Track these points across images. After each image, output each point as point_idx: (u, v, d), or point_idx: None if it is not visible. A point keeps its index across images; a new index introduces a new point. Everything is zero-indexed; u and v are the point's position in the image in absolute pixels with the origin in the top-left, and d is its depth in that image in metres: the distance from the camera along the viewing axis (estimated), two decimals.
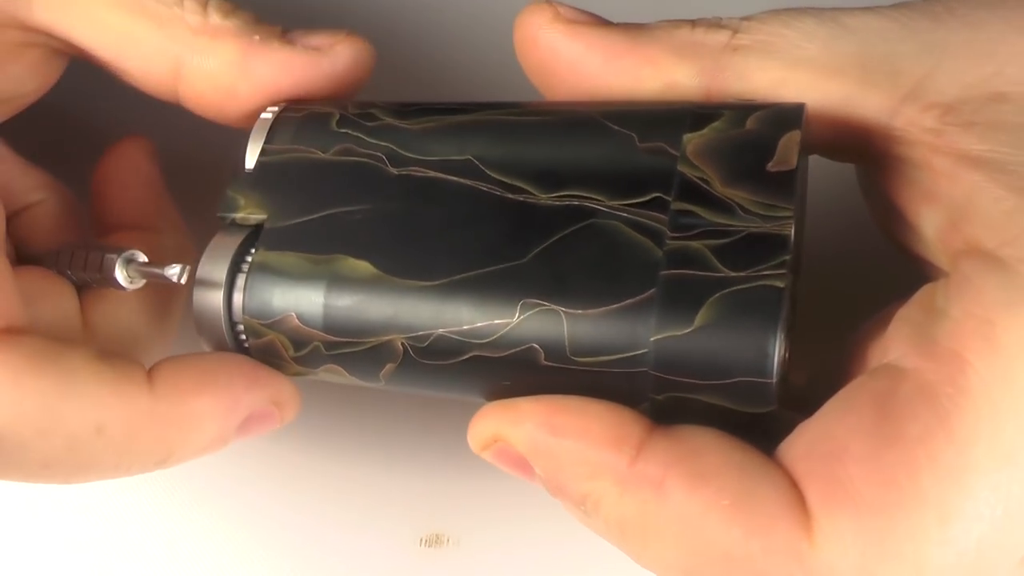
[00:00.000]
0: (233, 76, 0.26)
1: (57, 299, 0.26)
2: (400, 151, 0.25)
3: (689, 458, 0.21)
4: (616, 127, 0.23)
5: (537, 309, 0.22)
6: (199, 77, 0.26)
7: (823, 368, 0.26)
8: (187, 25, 0.26)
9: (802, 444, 0.21)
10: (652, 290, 0.21)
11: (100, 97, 0.31)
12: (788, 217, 0.21)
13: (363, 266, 0.24)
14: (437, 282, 0.23)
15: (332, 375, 0.25)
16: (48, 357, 0.23)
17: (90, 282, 0.26)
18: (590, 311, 0.22)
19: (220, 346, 0.25)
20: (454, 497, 0.32)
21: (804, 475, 0.21)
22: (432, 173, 0.24)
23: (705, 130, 0.23)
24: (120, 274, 0.26)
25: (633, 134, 0.23)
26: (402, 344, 0.23)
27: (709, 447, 0.21)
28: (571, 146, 0.24)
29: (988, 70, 0.23)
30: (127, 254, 0.26)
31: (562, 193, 0.23)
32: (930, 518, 0.20)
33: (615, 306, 0.22)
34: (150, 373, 0.24)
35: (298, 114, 0.26)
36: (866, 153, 0.24)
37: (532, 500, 0.30)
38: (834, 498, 0.20)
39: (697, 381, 0.21)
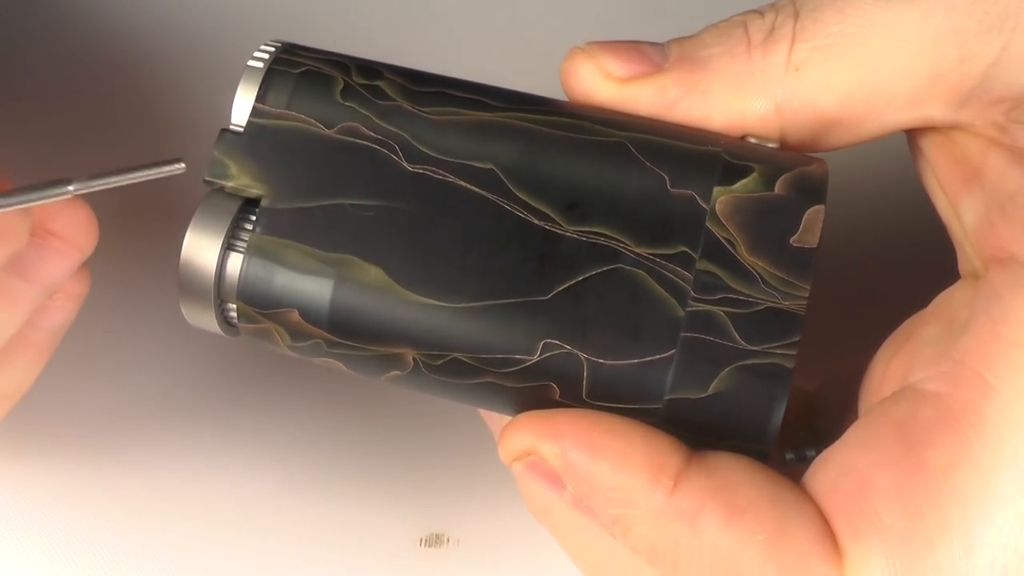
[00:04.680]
0: None
1: None
2: (414, 143, 0.23)
3: (725, 491, 0.21)
4: (649, 163, 0.23)
5: (559, 351, 0.22)
6: None
7: (838, 375, 0.26)
8: None
9: (828, 477, 0.21)
10: (672, 351, 0.22)
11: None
12: (803, 297, 0.22)
13: (375, 272, 0.23)
14: (457, 305, 0.23)
15: (329, 365, 0.25)
16: None
17: None
18: (610, 362, 0.22)
19: (205, 323, 0.24)
20: (454, 497, 0.32)
21: (832, 510, 0.21)
22: (451, 178, 0.23)
23: (736, 186, 0.23)
24: None
25: (665, 175, 0.23)
26: (414, 358, 0.23)
27: (744, 479, 0.21)
28: (600, 176, 0.23)
29: None
30: None
31: (588, 229, 0.23)
32: (956, 549, 0.20)
33: (635, 361, 0.22)
34: None
35: (295, 69, 0.24)
36: (922, 132, 0.24)
37: None
38: (862, 533, 0.20)
39: (699, 436, 0.22)
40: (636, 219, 0.23)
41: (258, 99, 0.24)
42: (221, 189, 0.24)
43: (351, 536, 0.31)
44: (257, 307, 0.23)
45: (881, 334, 0.24)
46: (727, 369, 0.22)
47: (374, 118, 0.24)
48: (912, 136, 0.25)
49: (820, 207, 0.22)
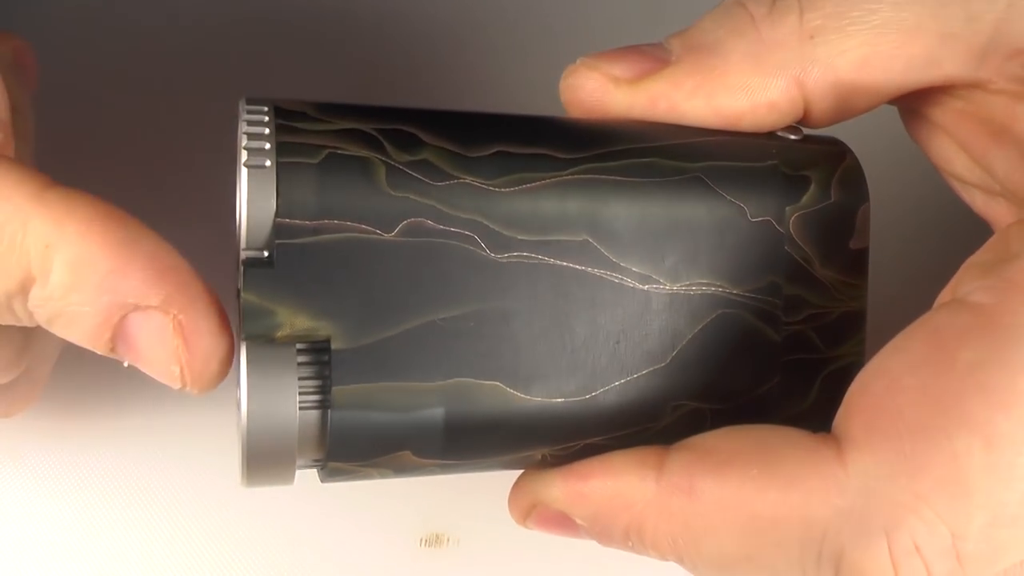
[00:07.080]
0: None
1: None
2: (494, 227, 0.20)
3: (708, 454, 0.21)
4: (728, 196, 0.22)
5: (685, 410, 0.22)
6: None
7: None
8: None
9: (860, 380, 0.21)
10: (777, 378, 0.22)
11: None
12: (864, 295, 0.23)
13: (492, 387, 0.20)
14: (586, 396, 0.21)
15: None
16: None
17: None
18: (728, 404, 0.22)
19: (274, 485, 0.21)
20: (454, 497, 0.32)
21: (852, 410, 0.21)
22: (549, 260, 0.21)
23: (802, 201, 0.23)
24: None
25: (744, 206, 0.22)
26: (543, 456, 0.22)
27: (721, 440, 0.22)
28: (688, 220, 0.22)
29: None
30: None
31: (690, 281, 0.22)
32: (975, 442, 0.19)
33: (750, 397, 0.22)
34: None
35: (311, 157, 0.19)
36: (936, 101, 0.24)
37: None
38: (875, 424, 0.20)
39: None
40: (728, 258, 0.22)
41: (280, 213, 0.19)
42: (268, 339, 0.19)
43: (351, 536, 0.31)
44: (355, 461, 0.20)
45: None
46: (818, 380, 0.23)
47: (439, 206, 0.20)
48: (921, 108, 0.24)
49: (867, 205, 0.23)
